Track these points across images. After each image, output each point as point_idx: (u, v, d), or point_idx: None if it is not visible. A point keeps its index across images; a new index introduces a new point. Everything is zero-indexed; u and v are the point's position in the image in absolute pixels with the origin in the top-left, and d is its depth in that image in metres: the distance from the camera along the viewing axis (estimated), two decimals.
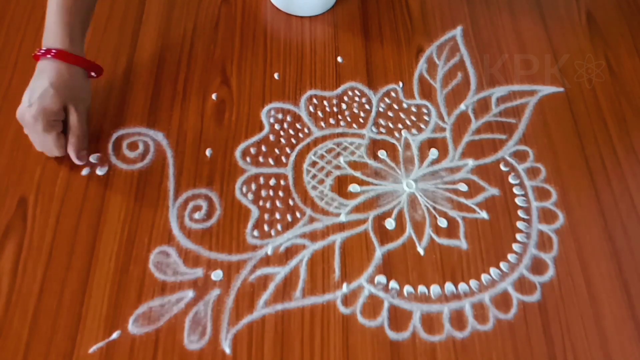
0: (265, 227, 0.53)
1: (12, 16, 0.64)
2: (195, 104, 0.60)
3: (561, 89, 0.63)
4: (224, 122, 0.59)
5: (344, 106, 0.61)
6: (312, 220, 0.54)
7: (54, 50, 0.51)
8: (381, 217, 0.54)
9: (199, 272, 0.50)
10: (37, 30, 0.63)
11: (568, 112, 0.62)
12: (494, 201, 0.56)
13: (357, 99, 0.61)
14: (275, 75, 0.62)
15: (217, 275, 0.50)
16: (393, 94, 0.62)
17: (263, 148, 0.58)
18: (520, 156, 0.59)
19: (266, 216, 0.53)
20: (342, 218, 0.54)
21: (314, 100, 0.61)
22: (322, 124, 0.59)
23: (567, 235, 0.54)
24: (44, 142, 0.52)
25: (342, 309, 0.50)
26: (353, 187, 0.56)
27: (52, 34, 0.52)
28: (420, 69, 0.64)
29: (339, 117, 0.60)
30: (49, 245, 0.51)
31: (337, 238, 0.53)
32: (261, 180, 0.56)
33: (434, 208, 0.55)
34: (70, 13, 0.52)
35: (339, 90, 0.62)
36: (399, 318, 0.49)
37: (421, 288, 0.51)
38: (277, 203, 0.54)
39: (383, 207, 0.55)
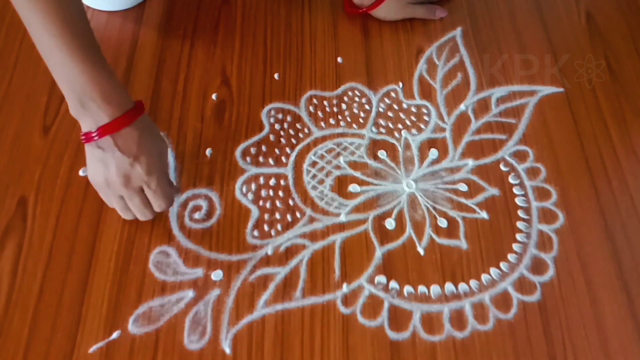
0: (265, 227, 0.53)
1: (12, 16, 0.64)
2: (195, 104, 0.60)
3: (561, 89, 0.63)
4: (224, 122, 0.59)
5: (344, 106, 0.61)
6: (312, 220, 0.54)
7: (132, 107, 0.47)
8: (381, 217, 0.54)
9: (199, 272, 0.50)
10: None
11: (568, 112, 0.62)
12: (494, 201, 0.56)
13: (357, 99, 0.61)
14: (275, 76, 0.62)
15: (217, 275, 0.50)
16: (393, 94, 0.62)
17: (263, 148, 0.58)
18: (520, 156, 0.59)
19: (266, 216, 0.53)
20: (342, 218, 0.54)
21: (314, 101, 0.61)
22: (322, 124, 0.60)
23: (567, 235, 0.54)
24: (140, 206, 0.49)
25: (342, 309, 0.50)
26: (353, 187, 0.56)
27: (120, 95, 0.46)
28: (420, 69, 0.64)
29: (339, 117, 0.60)
30: (49, 245, 0.51)
31: (337, 238, 0.53)
32: (261, 180, 0.56)
33: (434, 208, 0.55)
34: (102, 64, 0.46)
35: (339, 90, 0.62)
36: (399, 318, 0.49)
37: (421, 288, 0.51)
38: (277, 203, 0.54)
39: (383, 207, 0.55)
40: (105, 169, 0.47)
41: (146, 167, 0.47)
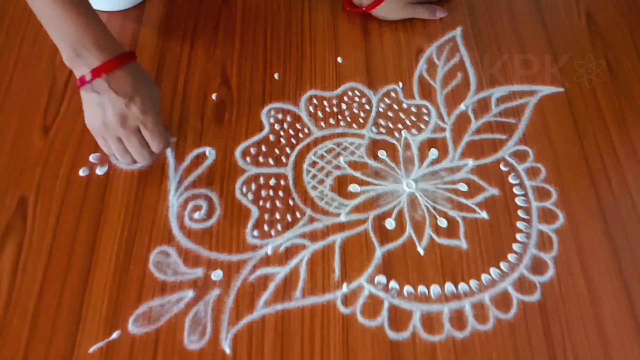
0: (265, 227, 0.53)
1: (12, 16, 0.64)
2: (195, 104, 0.60)
3: (561, 89, 0.63)
4: (224, 122, 0.59)
5: (344, 106, 0.61)
6: (312, 220, 0.54)
7: (123, 54, 0.50)
8: (381, 217, 0.54)
9: (199, 272, 0.50)
10: (37, 30, 0.63)
11: (568, 112, 0.62)
12: (494, 201, 0.56)
13: (357, 99, 0.61)
14: (275, 76, 0.62)
15: (217, 275, 0.50)
16: (393, 94, 0.62)
17: (263, 148, 0.58)
18: (520, 156, 0.59)
19: (266, 216, 0.53)
20: (342, 218, 0.54)
21: (314, 101, 0.61)
22: (322, 124, 0.60)
23: (567, 235, 0.54)
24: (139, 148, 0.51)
25: (342, 309, 0.50)
26: (353, 187, 0.56)
27: (111, 42, 0.49)
28: (420, 69, 0.64)
29: (339, 117, 0.60)
30: (49, 245, 0.51)
31: (337, 238, 0.53)
32: (261, 180, 0.56)
33: (434, 208, 0.55)
34: (92, 15, 0.49)
35: (339, 90, 0.62)
36: (399, 318, 0.49)
37: (421, 288, 0.51)
38: (277, 203, 0.54)
39: (383, 207, 0.55)
40: (102, 111, 0.49)
41: (141, 107, 0.49)
